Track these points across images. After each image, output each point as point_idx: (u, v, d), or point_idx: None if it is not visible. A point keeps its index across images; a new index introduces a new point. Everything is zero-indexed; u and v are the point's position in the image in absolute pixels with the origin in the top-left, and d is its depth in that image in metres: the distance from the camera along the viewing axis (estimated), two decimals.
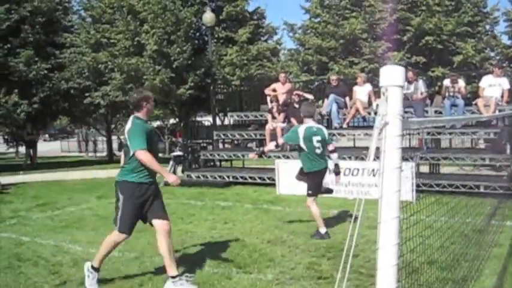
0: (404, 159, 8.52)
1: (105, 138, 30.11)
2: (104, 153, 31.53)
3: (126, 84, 18.21)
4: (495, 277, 5.37)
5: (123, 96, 18.54)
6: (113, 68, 18.52)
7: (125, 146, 5.46)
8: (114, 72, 18.56)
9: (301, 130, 7.44)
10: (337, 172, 7.69)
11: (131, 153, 5.25)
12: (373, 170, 10.63)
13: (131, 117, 5.42)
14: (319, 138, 7.39)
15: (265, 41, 22.55)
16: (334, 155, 7.68)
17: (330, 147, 7.66)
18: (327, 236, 7.27)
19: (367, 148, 13.22)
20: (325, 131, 7.63)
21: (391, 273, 1.80)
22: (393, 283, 1.82)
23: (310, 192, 7.52)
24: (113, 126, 27.81)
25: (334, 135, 14.16)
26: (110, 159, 25.57)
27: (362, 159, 11.94)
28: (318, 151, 7.41)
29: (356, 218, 2.14)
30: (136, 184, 5.35)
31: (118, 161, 24.51)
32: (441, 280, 4.95)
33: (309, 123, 7.52)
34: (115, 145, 35.91)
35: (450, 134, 12.73)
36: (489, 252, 6.15)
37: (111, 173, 17.65)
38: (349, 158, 12.33)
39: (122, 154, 5.70)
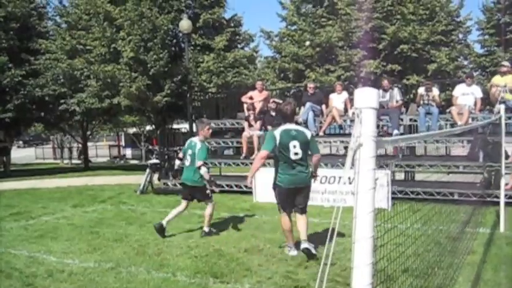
0: (379, 166, 8.67)
1: (80, 145, 29.87)
2: (80, 161, 31.23)
3: (102, 91, 18.08)
4: (469, 284, 5.45)
5: (98, 103, 18.41)
6: (88, 75, 18.38)
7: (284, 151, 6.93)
8: (90, 79, 18.41)
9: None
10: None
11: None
12: (349, 178, 10.69)
13: (297, 127, 7.23)
14: None
15: (242, 48, 22.61)
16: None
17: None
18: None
19: (343, 156, 13.32)
20: None
21: None
22: None
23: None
24: (88, 133, 27.52)
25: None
26: (86, 167, 25.32)
27: (338, 166, 12.02)
28: None
29: (333, 227, 2.16)
30: None
31: (94, 168, 24.00)
32: None
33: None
34: (93, 152, 35.60)
35: (425, 142, 12.90)
36: (463, 260, 6.24)
37: (86, 180, 17.53)
38: (326, 165, 12.40)
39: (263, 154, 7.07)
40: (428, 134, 7.29)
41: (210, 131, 8.86)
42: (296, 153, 6.93)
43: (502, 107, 8.14)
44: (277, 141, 6.94)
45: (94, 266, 6.58)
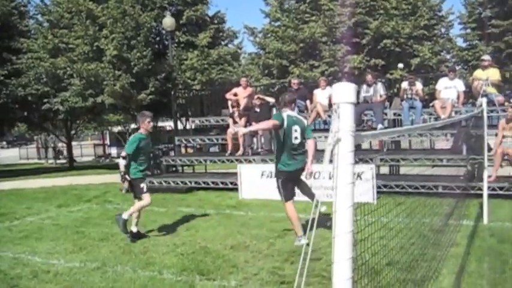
0: (364, 161, 8.71)
1: (59, 145, 29.66)
2: (64, 160, 30.98)
3: (86, 90, 17.97)
4: (453, 276, 5.50)
5: (82, 102, 18.29)
6: (72, 74, 18.25)
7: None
8: (73, 78, 18.29)
9: None
10: None
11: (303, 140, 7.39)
12: (329, 173, 10.71)
13: (290, 112, 7.39)
14: None
15: (226, 45, 22.60)
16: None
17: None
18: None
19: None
20: None
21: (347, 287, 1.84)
22: None
23: None
24: (73, 132, 27.29)
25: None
26: (71, 166, 25.13)
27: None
28: None
29: (313, 222, 2.17)
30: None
31: (79, 168, 23.83)
32: (401, 281, 5.04)
33: None
34: (78, 151, 35.26)
35: (409, 135, 12.97)
36: (447, 252, 6.29)
37: (71, 180, 17.40)
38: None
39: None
40: (410, 128, 7.34)
41: (151, 124, 8.47)
42: (296, 138, 7.34)
43: (484, 100, 8.21)
44: (285, 123, 7.24)
45: (80, 265, 6.55)
